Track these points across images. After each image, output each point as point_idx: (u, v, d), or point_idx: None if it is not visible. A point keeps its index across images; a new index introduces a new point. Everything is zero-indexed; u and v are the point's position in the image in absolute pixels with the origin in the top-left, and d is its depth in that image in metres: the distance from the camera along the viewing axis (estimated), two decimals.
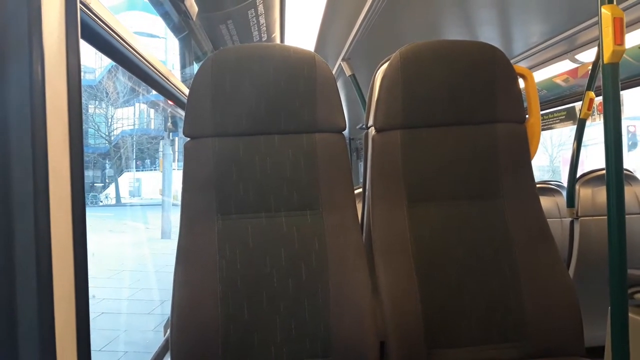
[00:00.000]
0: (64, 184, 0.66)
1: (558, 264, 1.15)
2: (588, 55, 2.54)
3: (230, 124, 1.15)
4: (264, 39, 2.40)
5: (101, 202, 18.53)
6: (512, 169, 1.21)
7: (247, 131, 1.16)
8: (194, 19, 2.00)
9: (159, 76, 1.41)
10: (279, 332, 1.07)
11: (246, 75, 1.15)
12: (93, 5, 0.87)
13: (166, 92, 1.58)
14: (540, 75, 3.01)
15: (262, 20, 2.20)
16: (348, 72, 2.80)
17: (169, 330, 1.06)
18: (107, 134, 18.78)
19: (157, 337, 4.16)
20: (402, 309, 1.10)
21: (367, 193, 1.36)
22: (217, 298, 1.07)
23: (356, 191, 1.26)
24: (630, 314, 1.19)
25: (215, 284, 1.07)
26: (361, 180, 1.52)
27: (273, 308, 1.08)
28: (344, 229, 1.14)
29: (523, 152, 1.23)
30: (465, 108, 1.22)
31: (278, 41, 2.65)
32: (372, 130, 1.29)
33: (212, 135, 1.15)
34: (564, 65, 2.79)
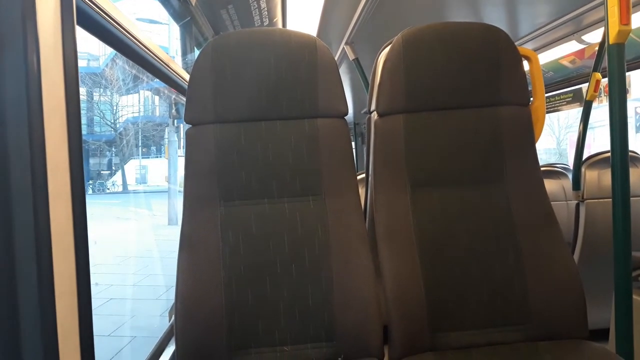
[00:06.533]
0: (63, 176, 0.65)
1: (562, 248, 1.15)
2: (595, 36, 2.49)
3: (231, 111, 1.14)
4: (265, 23, 2.38)
5: (108, 189, 18.58)
6: (516, 153, 1.20)
7: (249, 117, 1.15)
8: (194, 4, 1.97)
9: (159, 63, 1.40)
10: (283, 318, 1.08)
11: (246, 60, 1.14)
12: None
13: (167, 78, 1.56)
14: (547, 57, 2.97)
15: (262, 4, 2.17)
16: (351, 56, 2.76)
17: (173, 317, 1.07)
18: (112, 121, 18.76)
19: (163, 322, 4.21)
20: (405, 293, 1.10)
21: (369, 178, 1.35)
22: (220, 284, 1.07)
23: (360, 176, 1.25)
24: (634, 297, 1.18)
25: (219, 270, 1.08)
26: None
27: (277, 294, 1.09)
28: (346, 214, 1.14)
29: (527, 135, 1.22)
30: (468, 91, 1.20)
31: (280, 25, 2.62)
32: (374, 115, 1.28)
33: (213, 121, 1.14)
34: (571, 47, 2.75)
